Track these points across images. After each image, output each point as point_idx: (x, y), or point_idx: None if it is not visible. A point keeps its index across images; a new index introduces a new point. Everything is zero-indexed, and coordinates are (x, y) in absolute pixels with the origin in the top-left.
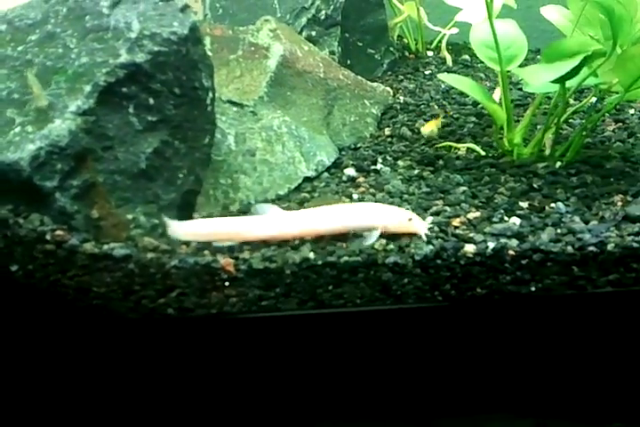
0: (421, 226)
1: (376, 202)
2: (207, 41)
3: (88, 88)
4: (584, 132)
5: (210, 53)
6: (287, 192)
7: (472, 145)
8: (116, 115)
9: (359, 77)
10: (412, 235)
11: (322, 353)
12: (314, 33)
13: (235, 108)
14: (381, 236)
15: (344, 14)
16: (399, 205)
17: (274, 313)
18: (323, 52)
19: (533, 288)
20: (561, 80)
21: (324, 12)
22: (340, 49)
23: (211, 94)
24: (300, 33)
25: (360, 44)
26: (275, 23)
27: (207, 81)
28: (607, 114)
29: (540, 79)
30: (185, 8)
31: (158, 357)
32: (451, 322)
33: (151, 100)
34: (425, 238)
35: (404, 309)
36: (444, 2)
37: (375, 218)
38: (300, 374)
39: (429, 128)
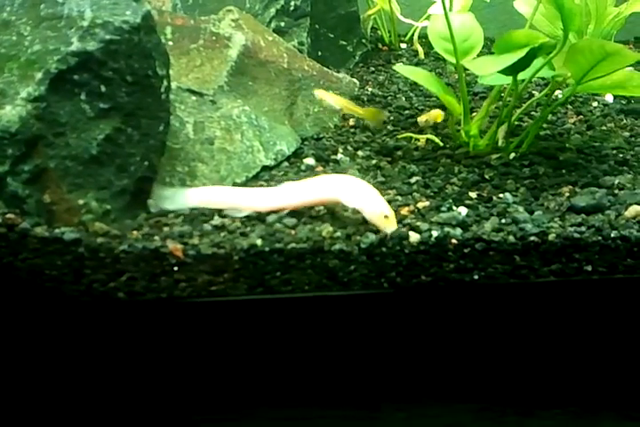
0: (390, 226)
1: None
2: (168, 30)
3: (39, 75)
4: (539, 125)
5: (170, 43)
6: (245, 180)
7: (431, 136)
8: (68, 102)
9: (325, 68)
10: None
11: (271, 338)
12: (283, 24)
13: (194, 97)
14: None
15: (314, 5)
16: None
17: (223, 298)
18: (291, 42)
19: (476, 276)
20: (512, 72)
21: (293, 2)
22: (309, 40)
23: (165, 83)
24: (269, 24)
25: (331, 36)
26: (237, 13)
27: (162, 69)
28: (570, 106)
29: (486, 70)
30: None
31: (111, 340)
32: (397, 309)
33: (103, 88)
34: (388, 236)
35: (350, 295)
36: None
37: (354, 198)
38: (249, 359)
39: (425, 118)
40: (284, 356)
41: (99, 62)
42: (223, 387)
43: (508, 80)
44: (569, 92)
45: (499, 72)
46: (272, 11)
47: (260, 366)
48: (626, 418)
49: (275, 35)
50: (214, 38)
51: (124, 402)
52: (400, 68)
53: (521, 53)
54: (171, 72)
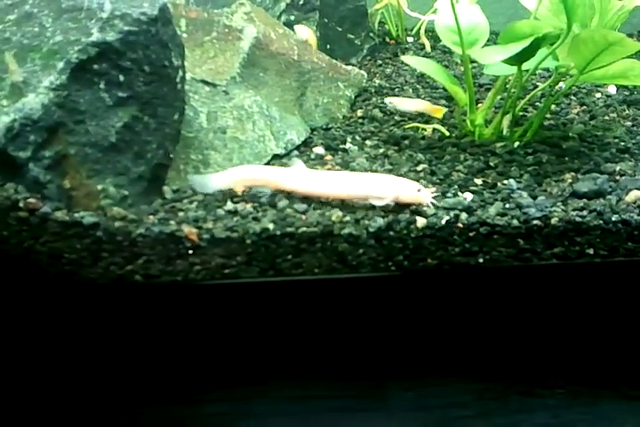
0: (427, 196)
1: None
2: (182, 23)
3: (61, 65)
4: (543, 114)
5: (185, 35)
6: None
7: (438, 126)
8: (88, 90)
9: (334, 61)
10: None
11: (282, 319)
12: (292, 17)
13: (207, 88)
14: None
15: (323, 0)
16: None
17: (236, 280)
18: None
19: (481, 260)
20: (517, 62)
21: None
22: (318, 34)
23: (180, 73)
24: (279, 17)
25: (340, 30)
26: (249, 6)
27: (177, 60)
28: (573, 97)
29: (491, 59)
30: None
31: (127, 322)
32: (404, 291)
33: (121, 77)
34: (430, 207)
35: (359, 278)
36: None
37: (389, 189)
38: (261, 339)
39: (417, 108)
40: (295, 336)
41: (118, 53)
42: (236, 365)
43: (512, 70)
44: (572, 81)
45: (503, 62)
46: (282, 4)
47: (271, 346)
48: (623, 397)
49: (285, 27)
50: (227, 31)
51: (139, 379)
52: (408, 58)
53: (525, 43)
54: (185, 63)
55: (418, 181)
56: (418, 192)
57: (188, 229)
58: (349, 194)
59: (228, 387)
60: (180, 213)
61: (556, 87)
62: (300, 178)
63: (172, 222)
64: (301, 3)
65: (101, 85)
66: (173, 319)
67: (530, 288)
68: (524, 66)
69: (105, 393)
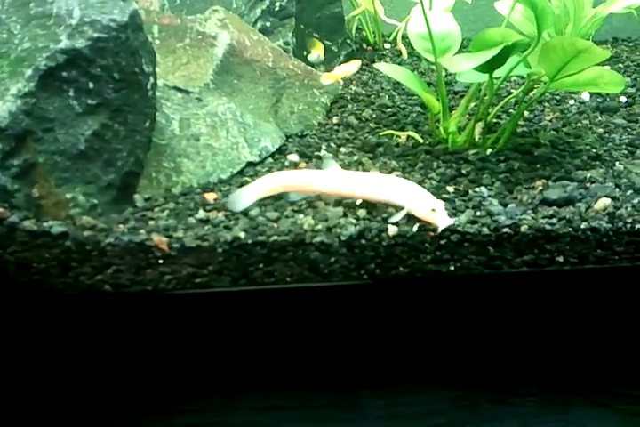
0: (443, 219)
1: None
2: (155, 29)
3: (29, 72)
4: (515, 122)
5: (157, 41)
6: (230, 176)
7: (412, 133)
8: (57, 98)
9: (309, 68)
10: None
11: (254, 329)
12: (268, 24)
13: (180, 95)
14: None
15: (299, 6)
16: None
17: (208, 290)
18: (277, 42)
19: (452, 267)
20: (488, 70)
21: (278, 3)
22: (294, 40)
23: (152, 80)
24: (255, 24)
25: (316, 36)
26: (223, 13)
27: (148, 67)
28: (547, 104)
29: (460, 67)
30: None
31: (98, 332)
32: (376, 299)
33: (91, 85)
34: (439, 230)
35: (331, 286)
36: None
37: (404, 198)
38: (233, 349)
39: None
40: (268, 346)
41: (87, 60)
42: (207, 376)
43: (484, 77)
44: (543, 89)
45: (475, 70)
46: (258, 11)
47: (243, 356)
48: (594, 404)
49: (260, 34)
50: (200, 37)
51: (110, 392)
52: (380, 66)
53: (495, 51)
54: (157, 70)
55: None
56: (431, 212)
57: (157, 239)
58: (387, 198)
59: (200, 398)
60: (151, 222)
61: (531, 94)
62: (335, 179)
63: (142, 231)
64: (277, 9)
65: (70, 93)
66: (144, 329)
67: (501, 296)
68: (496, 73)
69: (74, 405)
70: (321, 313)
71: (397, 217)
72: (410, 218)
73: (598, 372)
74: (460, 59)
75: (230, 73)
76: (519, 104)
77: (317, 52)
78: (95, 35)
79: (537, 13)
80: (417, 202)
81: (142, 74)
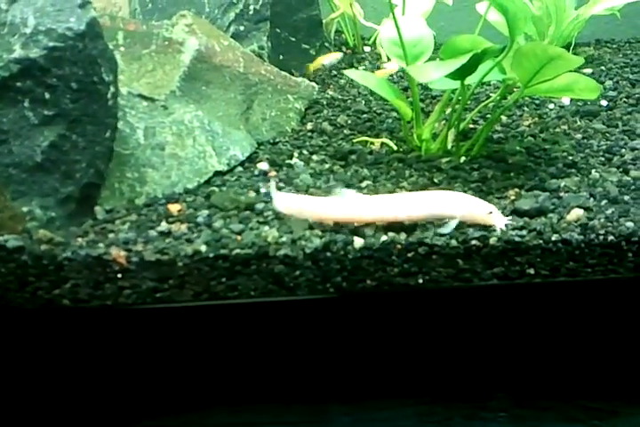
0: (500, 220)
1: None
2: (120, 36)
3: None
4: (489, 128)
5: (122, 48)
6: (196, 186)
7: (386, 140)
8: (11, 109)
9: (283, 73)
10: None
11: (217, 345)
12: (242, 28)
13: (145, 103)
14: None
15: (274, 9)
16: None
17: (169, 304)
18: (251, 47)
19: (421, 280)
20: (459, 77)
21: (252, 6)
22: (269, 44)
23: (112, 89)
24: (228, 28)
25: (293, 40)
26: (191, 18)
27: (108, 75)
28: (526, 109)
29: (427, 77)
30: (85, 4)
31: (57, 348)
32: (344, 313)
33: (47, 95)
34: (499, 231)
35: (297, 300)
36: None
37: (457, 208)
38: (195, 366)
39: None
40: (232, 361)
41: (42, 69)
42: (168, 393)
43: (456, 84)
44: (517, 95)
45: (446, 77)
46: (231, 15)
47: (208, 372)
48: (566, 419)
49: (231, 39)
50: (167, 43)
51: (67, 409)
52: (351, 73)
53: (464, 59)
54: (122, 78)
55: None
56: (489, 214)
57: (115, 252)
58: (419, 215)
59: (165, 415)
60: (111, 235)
61: (508, 99)
62: (357, 206)
63: (100, 245)
64: (251, 13)
65: (25, 104)
66: (105, 345)
67: (472, 309)
68: (468, 79)
69: (32, 423)
70: (287, 328)
71: (450, 227)
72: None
73: (572, 386)
74: (428, 67)
75: (198, 79)
76: (493, 111)
77: (330, 58)
78: (50, 44)
79: (508, 18)
80: (473, 208)
81: (102, 83)
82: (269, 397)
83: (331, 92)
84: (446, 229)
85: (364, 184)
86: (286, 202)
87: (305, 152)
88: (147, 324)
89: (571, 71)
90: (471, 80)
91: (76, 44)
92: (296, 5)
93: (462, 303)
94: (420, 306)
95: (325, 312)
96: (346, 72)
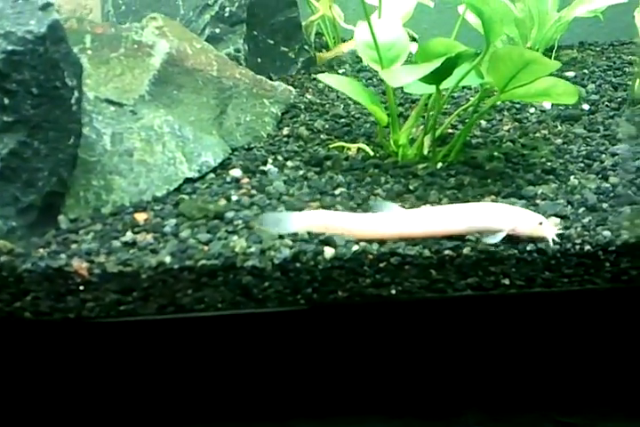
0: (550, 231)
1: (252, 204)
2: (87, 39)
3: None
4: (465, 134)
5: (90, 52)
6: (166, 193)
7: (362, 145)
8: None
9: (258, 76)
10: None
11: (184, 359)
12: (218, 30)
13: (112, 108)
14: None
15: (251, 12)
16: (275, 207)
17: (134, 317)
18: (227, 50)
19: (394, 291)
20: (434, 81)
21: (228, 9)
22: (246, 47)
23: (76, 94)
24: (204, 30)
25: (271, 43)
26: (162, 20)
27: (72, 80)
28: (506, 113)
29: (400, 81)
30: (46, 6)
31: (19, 362)
32: (315, 325)
33: (6, 100)
34: (551, 243)
35: (266, 313)
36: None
37: (505, 220)
38: (160, 380)
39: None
40: (199, 376)
41: (1, 74)
42: (134, 408)
43: (432, 89)
44: (493, 100)
45: (421, 81)
46: (206, 17)
47: (172, 387)
48: None
49: (204, 42)
50: (136, 47)
51: (28, 422)
52: (323, 77)
53: (437, 63)
54: (89, 82)
55: (334, 206)
56: (539, 225)
57: (77, 264)
58: (465, 229)
59: None
60: (74, 246)
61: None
62: (394, 221)
63: (62, 256)
64: (227, 15)
65: None
66: (68, 359)
67: (446, 320)
68: (444, 84)
69: None
70: (256, 341)
71: (498, 238)
72: None
73: (547, 400)
74: (400, 72)
75: (169, 83)
76: (470, 116)
77: (351, 45)
78: (9, 47)
79: (484, 21)
80: (523, 220)
81: (65, 88)
82: (233, 413)
83: (309, 96)
84: (494, 240)
85: (338, 191)
86: (317, 220)
87: (280, 158)
88: (111, 338)
89: (552, 75)
90: (448, 84)
91: (36, 47)
92: (274, 8)
93: (436, 315)
94: (393, 317)
95: (296, 324)
96: (319, 76)
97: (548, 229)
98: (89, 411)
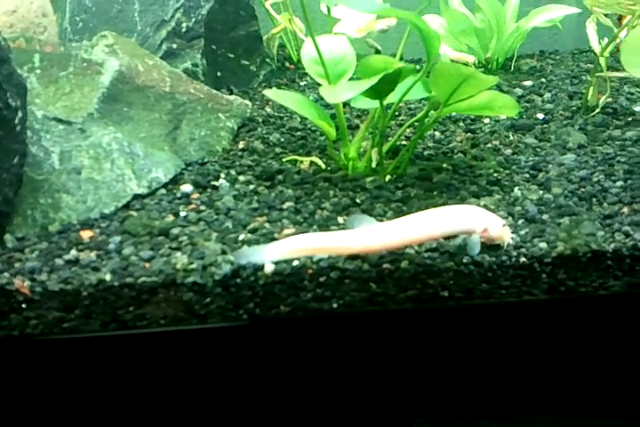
0: (509, 233)
1: (200, 219)
2: (36, 58)
3: None
4: (413, 147)
5: (38, 71)
6: (114, 210)
7: (315, 159)
8: None
9: (214, 91)
10: None
11: (129, 376)
12: (175, 46)
13: (61, 126)
14: None
15: (209, 26)
16: (222, 223)
17: (78, 335)
18: (185, 65)
19: (335, 305)
20: (377, 96)
21: (184, 24)
22: (204, 62)
23: (20, 114)
24: (160, 46)
25: (231, 56)
26: (112, 38)
27: (15, 101)
28: (461, 124)
29: (338, 98)
30: None
31: None
32: (259, 340)
33: None
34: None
35: (208, 328)
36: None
37: (478, 221)
38: (106, 398)
39: None
40: (145, 393)
41: None
42: (76, 425)
43: (376, 103)
44: (437, 114)
45: (365, 96)
46: (163, 33)
47: (120, 404)
48: None
49: (157, 59)
50: (85, 65)
51: None
52: (269, 92)
53: (375, 79)
54: (38, 101)
55: (280, 221)
56: (503, 227)
57: (18, 282)
58: (440, 233)
59: None
60: (17, 264)
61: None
62: (369, 234)
63: (5, 275)
64: (184, 30)
65: None
66: (12, 376)
67: (389, 333)
68: (390, 98)
69: None
70: (199, 356)
71: (476, 246)
72: None
73: (490, 412)
74: (339, 88)
75: (119, 101)
76: (417, 129)
77: (384, 22)
78: None
79: (422, 37)
80: (492, 221)
81: (8, 109)
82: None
83: (268, 109)
84: (474, 250)
85: (285, 205)
86: (289, 246)
87: (233, 172)
88: (55, 354)
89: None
90: (393, 98)
91: None
92: (234, 22)
93: (379, 328)
94: (337, 331)
95: (239, 340)
96: (264, 92)
97: (508, 231)
98: None
